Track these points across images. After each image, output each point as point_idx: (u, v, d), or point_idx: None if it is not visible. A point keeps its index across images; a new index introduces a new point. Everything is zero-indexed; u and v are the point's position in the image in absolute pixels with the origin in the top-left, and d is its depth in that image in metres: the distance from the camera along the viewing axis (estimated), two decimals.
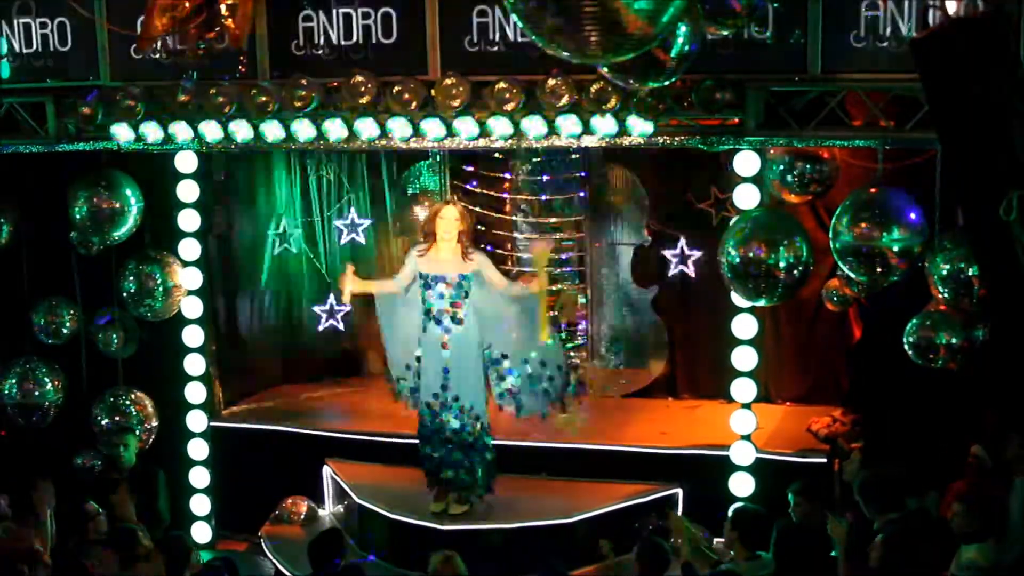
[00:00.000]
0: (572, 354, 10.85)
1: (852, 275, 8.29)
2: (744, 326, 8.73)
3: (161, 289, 9.48)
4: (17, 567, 6.82)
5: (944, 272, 7.77)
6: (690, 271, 10.46)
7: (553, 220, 11.00)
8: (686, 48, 6.55)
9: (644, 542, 7.24)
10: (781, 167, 8.72)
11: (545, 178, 10.91)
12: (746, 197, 8.48)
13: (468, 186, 11.00)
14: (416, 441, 8.83)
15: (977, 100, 5.74)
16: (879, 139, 7.93)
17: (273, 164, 10.96)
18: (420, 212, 10.90)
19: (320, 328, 11.39)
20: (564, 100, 8.13)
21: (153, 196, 9.56)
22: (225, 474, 9.96)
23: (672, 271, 10.54)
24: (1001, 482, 7.05)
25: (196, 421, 9.89)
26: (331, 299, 11.36)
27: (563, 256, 11.06)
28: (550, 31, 5.30)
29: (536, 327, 8.47)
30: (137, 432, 9.40)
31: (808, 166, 8.70)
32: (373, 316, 11.38)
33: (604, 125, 8.17)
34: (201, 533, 9.89)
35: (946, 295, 7.80)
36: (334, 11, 8.52)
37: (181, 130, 8.82)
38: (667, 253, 10.54)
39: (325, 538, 7.43)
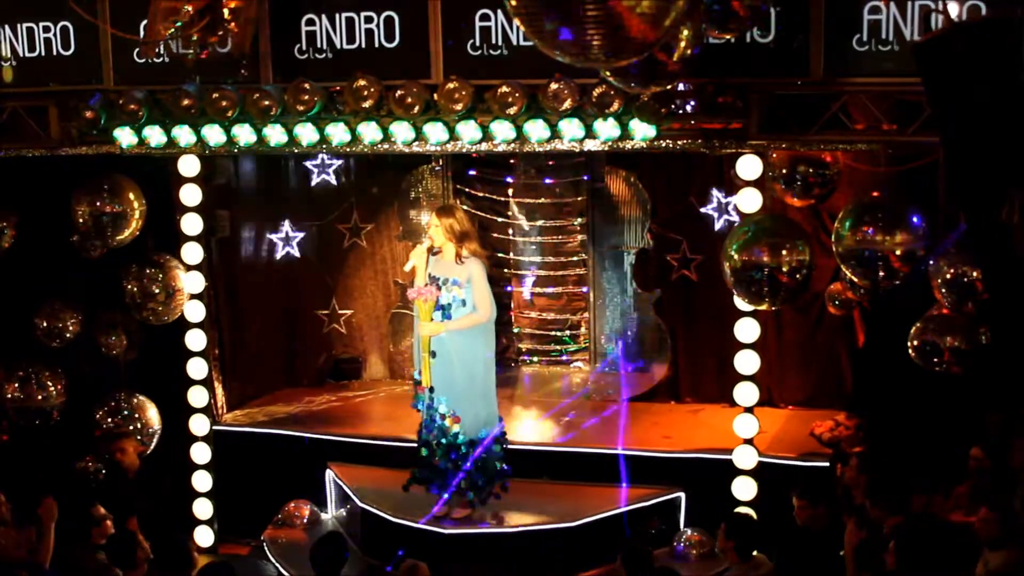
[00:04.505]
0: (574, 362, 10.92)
1: (854, 279, 8.31)
2: (747, 330, 8.73)
3: (163, 293, 9.49)
4: (15, 573, 6.80)
5: (947, 276, 7.76)
6: (692, 275, 10.46)
7: (555, 224, 11.04)
8: (688, 52, 6.56)
9: (628, 548, 7.25)
10: (784, 171, 8.72)
11: (547, 182, 10.94)
12: (748, 201, 8.48)
13: (470, 190, 11.03)
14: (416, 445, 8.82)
15: (980, 103, 5.74)
16: (881, 143, 7.93)
17: (276, 167, 10.97)
18: (423, 216, 10.92)
19: (322, 332, 11.40)
20: (567, 104, 8.15)
21: (155, 200, 9.57)
22: (227, 478, 9.95)
23: (674, 275, 10.55)
24: (1006, 487, 7.04)
25: (198, 425, 9.89)
26: (333, 303, 11.38)
27: (566, 259, 11.10)
28: (552, 35, 5.30)
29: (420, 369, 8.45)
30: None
31: (810, 170, 8.70)
32: (375, 320, 11.49)
33: (606, 129, 8.19)
34: (203, 537, 9.88)
35: (949, 299, 7.80)
36: (337, 15, 8.54)
37: (184, 134, 8.84)
38: (669, 257, 10.54)
39: (327, 542, 7.42)
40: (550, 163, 10.84)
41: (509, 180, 11.03)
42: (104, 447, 9.19)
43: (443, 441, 8.46)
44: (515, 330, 11.25)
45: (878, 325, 9.19)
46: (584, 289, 11.04)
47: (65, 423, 9.72)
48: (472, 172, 11.02)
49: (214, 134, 8.78)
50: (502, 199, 11.09)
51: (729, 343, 8.89)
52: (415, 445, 8.74)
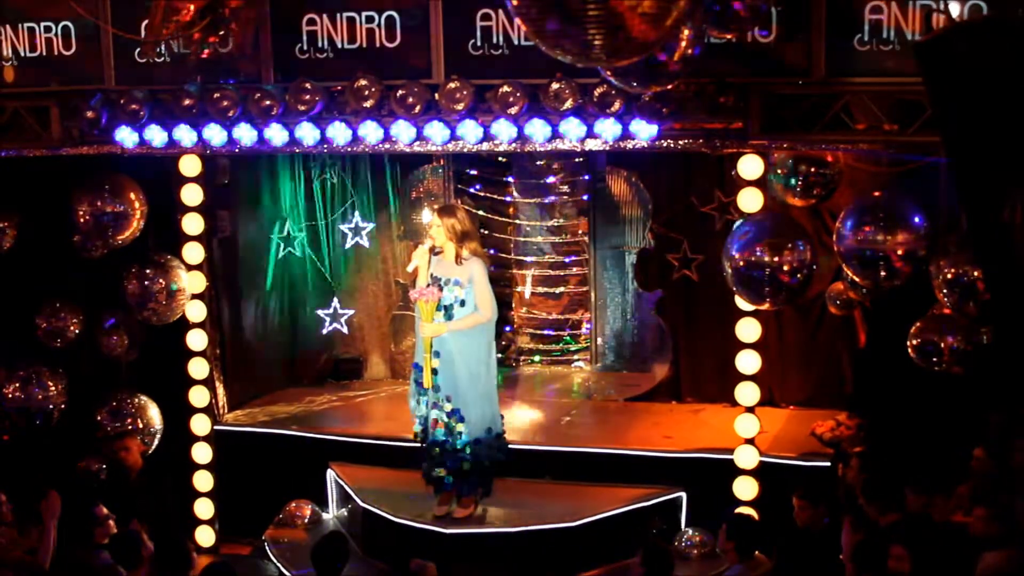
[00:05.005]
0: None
1: (856, 279, 8.30)
2: (748, 330, 8.73)
3: (165, 293, 9.49)
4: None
5: (948, 276, 7.76)
6: (693, 275, 10.46)
7: (556, 223, 11.05)
8: (688, 52, 6.56)
9: (649, 546, 7.24)
10: (785, 171, 8.71)
11: (549, 181, 10.95)
12: (749, 200, 8.48)
13: (471, 189, 11.03)
14: (418, 444, 8.82)
15: (981, 103, 5.73)
16: (883, 143, 7.93)
17: (277, 167, 10.98)
18: (424, 216, 10.93)
19: (324, 332, 11.41)
20: (568, 103, 8.15)
21: (157, 200, 9.57)
22: (229, 478, 9.95)
23: (676, 275, 10.54)
24: (1007, 488, 7.04)
25: (200, 425, 9.89)
26: (335, 302, 11.38)
27: (567, 259, 11.11)
28: (553, 35, 5.31)
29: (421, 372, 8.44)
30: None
31: (812, 169, 8.70)
32: (376, 320, 11.49)
33: (608, 128, 8.19)
34: (205, 537, 9.88)
35: (950, 299, 7.80)
36: (338, 15, 8.54)
37: (185, 134, 8.84)
38: (670, 256, 10.54)
39: (329, 542, 7.43)
40: (551, 163, 10.85)
41: (510, 180, 11.04)
42: (108, 446, 9.19)
43: (448, 440, 8.46)
44: (516, 329, 11.26)
45: (879, 325, 9.19)
46: (585, 289, 11.05)
47: (66, 423, 9.72)
48: (473, 172, 11.02)
49: (215, 134, 8.79)
50: (503, 199, 11.09)
51: (730, 343, 8.89)
52: (417, 445, 8.75)
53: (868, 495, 7.41)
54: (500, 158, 10.76)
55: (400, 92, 8.40)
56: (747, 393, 8.80)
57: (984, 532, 6.57)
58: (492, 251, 10.59)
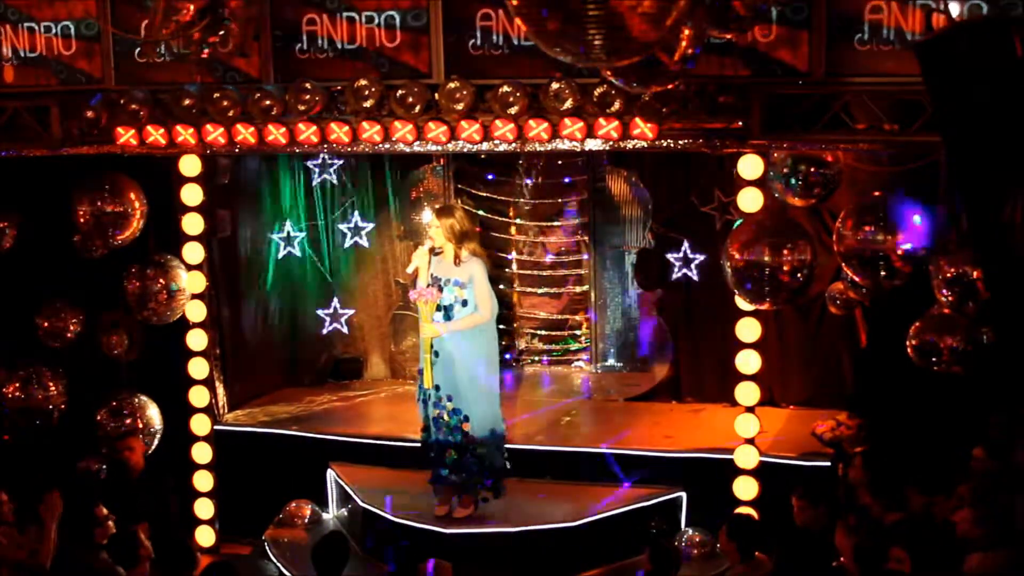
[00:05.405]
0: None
1: (856, 279, 8.30)
2: (748, 329, 8.72)
3: (165, 293, 9.49)
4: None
5: (948, 276, 7.76)
6: (693, 274, 10.45)
7: (556, 223, 11.04)
8: (689, 51, 6.55)
9: (655, 545, 7.24)
10: (785, 170, 8.71)
11: (549, 181, 10.94)
12: (749, 200, 8.48)
13: (472, 189, 11.03)
14: (419, 444, 8.82)
15: (982, 103, 5.73)
16: (883, 143, 7.92)
17: (277, 167, 10.98)
18: (424, 216, 10.93)
19: (324, 332, 11.40)
20: (568, 103, 8.15)
21: (157, 200, 9.57)
22: (229, 478, 9.95)
23: (675, 274, 10.54)
24: (1007, 487, 7.03)
25: (200, 425, 9.89)
26: (335, 302, 11.37)
27: (567, 259, 11.10)
28: (553, 35, 5.30)
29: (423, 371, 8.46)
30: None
31: (812, 169, 8.69)
32: (376, 320, 11.49)
33: (608, 128, 8.18)
34: (205, 537, 9.88)
35: (950, 299, 7.79)
36: (338, 15, 8.55)
37: (185, 134, 8.84)
38: (670, 256, 10.53)
39: (329, 542, 7.43)
40: (551, 163, 10.84)
41: (510, 180, 11.03)
42: (112, 445, 9.19)
43: (451, 440, 8.46)
44: (516, 329, 11.25)
45: (880, 325, 9.18)
46: (585, 289, 11.05)
47: (66, 423, 9.72)
48: (473, 172, 11.02)
49: (215, 134, 8.79)
50: (503, 199, 11.09)
51: (730, 343, 8.89)
52: (419, 445, 8.75)
53: (874, 490, 7.41)
54: (500, 158, 10.74)
55: (400, 92, 8.40)
56: (747, 393, 8.80)
57: (969, 533, 6.58)
58: (493, 251, 10.58)
